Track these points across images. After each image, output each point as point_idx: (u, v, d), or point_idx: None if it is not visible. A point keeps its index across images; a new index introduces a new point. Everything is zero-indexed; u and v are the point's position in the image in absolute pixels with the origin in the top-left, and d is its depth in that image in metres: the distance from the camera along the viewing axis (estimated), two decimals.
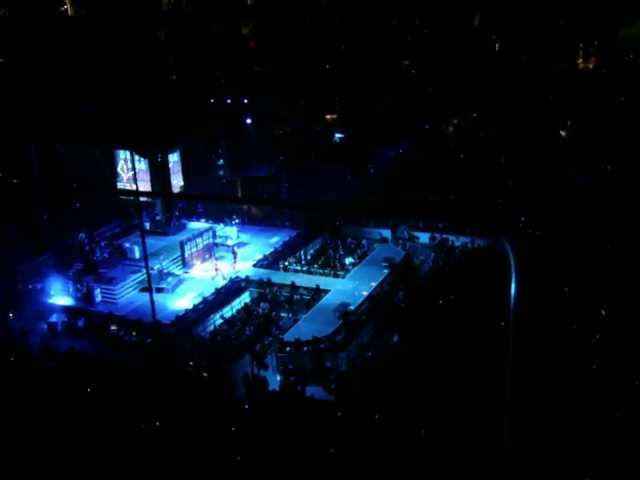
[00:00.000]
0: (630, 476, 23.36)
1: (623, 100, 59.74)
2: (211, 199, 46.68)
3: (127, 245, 47.01)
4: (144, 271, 39.92)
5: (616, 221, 42.76)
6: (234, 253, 45.45)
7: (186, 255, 44.90)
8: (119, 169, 50.84)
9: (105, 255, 46.01)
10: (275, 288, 41.26)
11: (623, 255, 38.62)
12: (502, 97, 58.61)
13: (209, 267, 44.86)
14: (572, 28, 63.82)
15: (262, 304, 40.06)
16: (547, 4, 63.69)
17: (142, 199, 47.68)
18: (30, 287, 42.40)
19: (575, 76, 64.79)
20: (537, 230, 43.78)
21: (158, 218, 51.23)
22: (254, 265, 45.11)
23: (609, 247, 40.49)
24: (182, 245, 44.94)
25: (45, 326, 38.50)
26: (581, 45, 67.01)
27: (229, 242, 48.72)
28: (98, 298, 41.40)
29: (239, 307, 40.39)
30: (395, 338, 35.60)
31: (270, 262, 45.20)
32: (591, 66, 67.24)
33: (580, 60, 67.57)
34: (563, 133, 61.06)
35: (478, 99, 60.93)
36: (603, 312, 33.73)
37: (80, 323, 38.61)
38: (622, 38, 63.33)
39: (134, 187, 47.19)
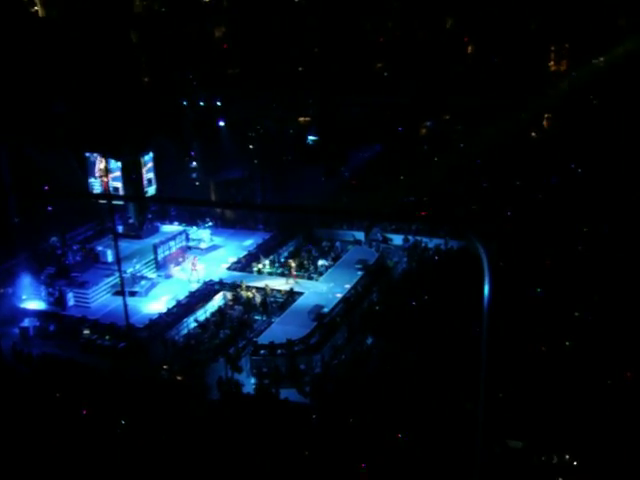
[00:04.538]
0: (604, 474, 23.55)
1: (595, 103, 60.31)
2: (187, 203, 46.58)
3: (100, 248, 46.78)
4: (117, 274, 39.70)
5: (588, 221, 43.20)
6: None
7: (159, 258, 44.68)
8: (92, 172, 50.39)
9: (78, 259, 45.59)
10: (249, 291, 41.21)
11: (595, 255, 39.02)
12: (475, 99, 58.85)
13: (187, 267, 44.59)
14: (543, 31, 64.26)
15: (236, 307, 40.01)
16: (518, 7, 64.08)
17: (115, 202, 47.51)
18: (1, 291, 42.00)
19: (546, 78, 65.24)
20: (509, 231, 44.02)
21: (131, 221, 50.91)
22: (228, 268, 44.97)
23: (580, 248, 40.89)
24: (155, 248, 44.73)
25: (17, 331, 38.16)
26: (552, 48, 67.52)
27: (202, 245, 48.55)
28: (71, 302, 41.11)
29: (213, 310, 40.28)
30: (369, 340, 35.65)
31: (244, 265, 45.10)
32: (563, 69, 67.75)
33: (552, 63, 68.05)
34: (534, 134, 61.51)
35: (451, 101, 61.17)
36: (576, 313, 34.00)
37: (52, 327, 38.30)
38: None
39: (107, 190, 47.01)
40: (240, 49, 65.86)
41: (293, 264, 43.69)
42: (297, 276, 42.96)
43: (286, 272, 43.69)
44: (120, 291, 38.24)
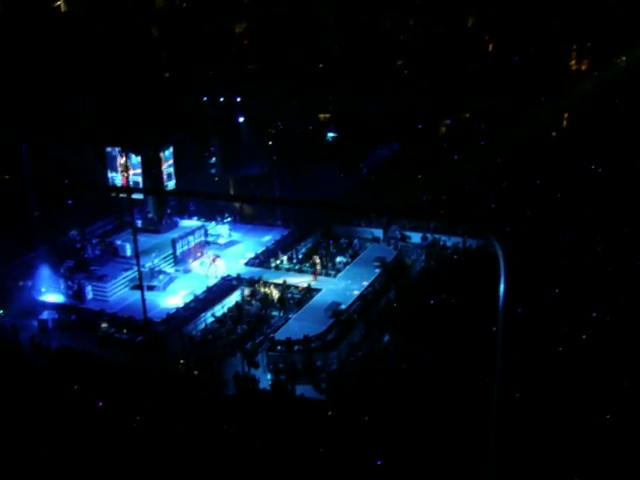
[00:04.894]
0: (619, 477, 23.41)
1: (617, 102, 59.97)
2: (203, 196, 46.66)
3: (119, 242, 46.93)
4: (135, 269, 39.85)
5: (607, 222, 42.96)
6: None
7: (177, 253, 44.78)
8: (113, 166, 50.64)
9: (96, 252, 45.82)
10: (267, 287, 41.24)
11: (613, 256, 38.81)
12: (495, 98, 58.67)
13: (205, 261, 44.68)
14: (565, 30, 63.96)
15: (253, 302, 40.07)
16: (540, 6, 63.82)
17: (134, 196, 47.66)
18: (21, 284, 42.26)
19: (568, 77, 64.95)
20: (527, 230, 43.87)
21: (150, 216, 51.10)
22: (246, 264, 45.03)
23: (600, 248, 40.67)
24: (174, 243, 44.85)
25: (36, 323, 38.43)
26: (574, 47, 67.22)
27: (221, 240, 48.64)
28: (89, 295, 41.31)
29: (230, 305, 40.38)
30: (386, 338, 35.61)
31: (262, 260, 45.16)
32: (584, 68, 67.42)
33: (573, 62, 67.75)
34: (555, 134, 61.23)
35: (471, 100, 61.02)
36: (594, 314, 33.80)
37: (71, 320, 38.52)
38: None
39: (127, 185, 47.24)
40: (260, 45, 65.97)
41: (318, 260, 43.63)
42: (320, 273, 42.93)
43: (304, 268, 43.72)
44: (138, 285, 38.38)
